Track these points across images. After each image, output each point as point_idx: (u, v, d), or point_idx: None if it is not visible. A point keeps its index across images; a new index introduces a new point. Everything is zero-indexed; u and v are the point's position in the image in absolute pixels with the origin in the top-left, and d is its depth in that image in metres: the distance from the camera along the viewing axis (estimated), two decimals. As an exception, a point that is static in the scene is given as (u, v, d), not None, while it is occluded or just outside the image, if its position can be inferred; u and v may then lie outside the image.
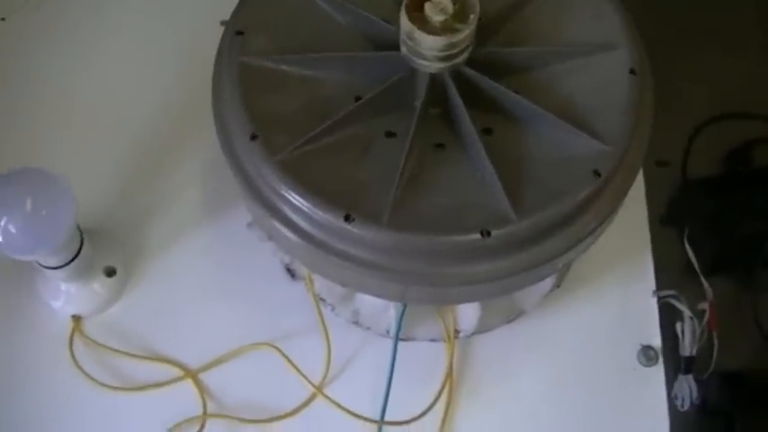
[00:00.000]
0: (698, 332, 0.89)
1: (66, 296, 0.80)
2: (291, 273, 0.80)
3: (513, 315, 0.79)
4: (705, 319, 0.92)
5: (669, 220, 1.21)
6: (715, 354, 1.00)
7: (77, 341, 0.79)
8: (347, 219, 0.63)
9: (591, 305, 0.81)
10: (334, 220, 0.63)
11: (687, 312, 0.86)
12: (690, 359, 0.90)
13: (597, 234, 0.68)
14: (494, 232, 0.62)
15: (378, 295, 0.69)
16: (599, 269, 0.82)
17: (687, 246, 1.05)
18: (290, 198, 0.64)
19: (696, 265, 1.00)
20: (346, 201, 0.63)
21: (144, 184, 0.86)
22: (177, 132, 0.89)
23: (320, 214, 0.63)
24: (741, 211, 1.39)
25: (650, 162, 0.84)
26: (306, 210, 0.64)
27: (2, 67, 0.93)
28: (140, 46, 0.95)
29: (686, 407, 0.94)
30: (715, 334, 0.96)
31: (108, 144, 0.88)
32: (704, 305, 0.92)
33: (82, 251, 0.75)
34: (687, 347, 0.89)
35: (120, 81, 0.93)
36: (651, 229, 0.85)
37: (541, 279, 0.70)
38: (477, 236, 0.62)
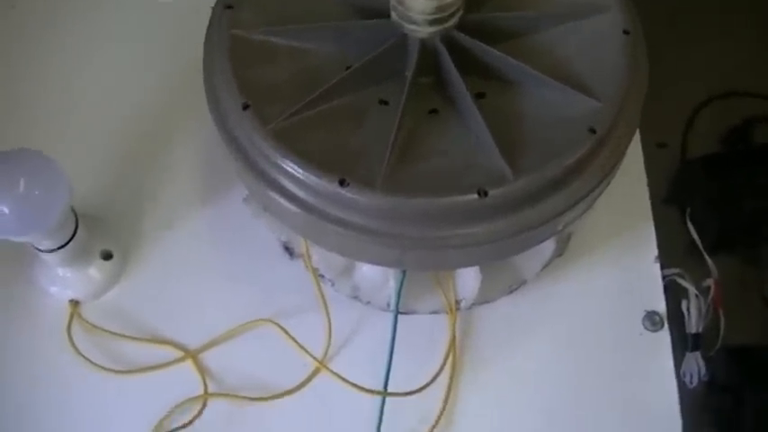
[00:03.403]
0: (704, 309, 0.89)
1: (63, 281, 0.79)
2: (289, 251, 0.79)
3: (515, 285, 0.78)
4: (710, 296, 0.91)
5: (671, 200, 1.20)
6: (722, 330, 1.00)
7: (76, 326, 0.78)
8: (342, 183, 0.62)
9: (593, 273, 0.80)
10: (328, 185, 0.62)
11: (692, 290, 0.86)
12: (696, 336, 0.90)
13: (596, 194, 0.67)
14: (491, 192, 0.62)
15: (376, 262, 0.69)
16: (600, 238, 0.81)
17: (690, 225, 1.05)
18: (285, 166, 0.64)
19: (699, 244, 1.00)
20: (340, 166, 0.63)
21: (139, 166, 0.86)
22: (172, 114, 0.88)
23: (315, 180, 0.63)
24: (742, 190, 1.39)
25: (650, 143, 0.84)
26: (300, 177, 0.63)
27: (7, 53, 0.93)
28: (134, 29, 0.95)
29: (694, 384, 0.93)
30: (721, 311, 0.95)
31: (103, 127, 0.88)
32: (709, 282, 0.92)
33: (77, 234, 0.75)
34: (693, 325, 0.88)
35: (115, 64, 0.92)
36: (653, 210, 0.84)
37: (541, 242, 0.69)
38: (474, 196, 0.62)
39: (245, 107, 0.65)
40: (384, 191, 0.62)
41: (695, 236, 1.04)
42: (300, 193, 0.64)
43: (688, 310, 0.87)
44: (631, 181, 0.82)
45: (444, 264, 0.70)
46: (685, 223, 1.05)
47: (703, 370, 0.95)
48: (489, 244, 0.65)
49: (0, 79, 0.91)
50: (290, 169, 0.63)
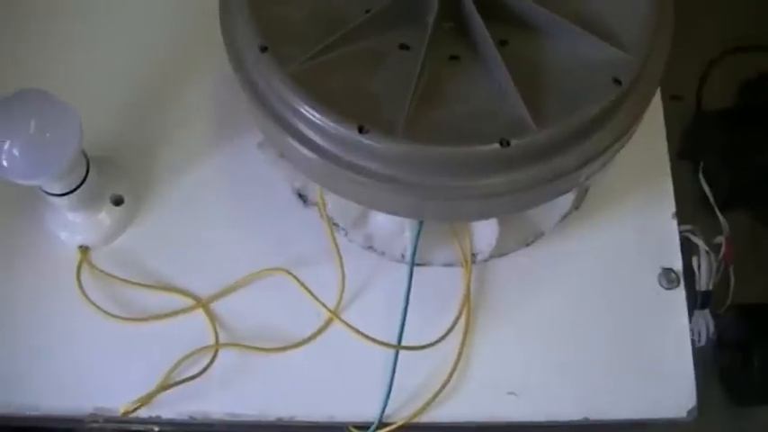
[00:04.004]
0: (714, 266, 0.88)
1: (72, 226, 0.78)
2: (303, 198, 0.78)
3: (531, 238, 0.77)
4: (721, 253, 0.90)
5: (684, 155, 1.19)
6: (732, 287, 0.99)
7: (85, 272, 0.77)
8: (361, 130, 0.61)
9: (610, 228, 0.79)
10: (347, 132, 0.61)
11: (703, 247, 0.85)
12: (706, 294, 0.89)
13: (618, 147, 0.66)
14: (513, 142, 0.61)
15: (392, 212, 0.68)
16: (618, 193, 0.80)
17: (702, 179, 1.04)
18: (303, 111, 0.62)
19: (711, 199, 0.99)
20: (360, 112, 0.62)
21: (152, 110, 0.84)
22: (186, 55, 0.86)
23: (334, 126, 0.61)
24: (756, 145, 1.37)
25: (664, 96, 0.82)
26: (319, 123, 0.62)
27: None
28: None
29: (703, 342, 0.93)
30: (731, 268, 0.94)
31: (115, 69, 0.86)
32: (720, 239, 0.91)
33: (88, 178, 0.73)
34: (703, 282, 0.87)
35: (128, 3, 0.90)
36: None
37: (562, 194, 0.68)
38: (496, 145, 0.61)
39: (264, 49, 0.64)
40: (404, 138, 0.61)
41: (708, 191, 1.03)
42: (318, 139, 0.63)
43: (698, 266, 0.86)
44: (650, 134, 0.80)
45: (462, 214, 0.69)
46: (698, 178, 1.04)
47: (712, 328, 0.94)
48: (509, 195, 0.64)
49: (11, 20, 0.89)
50: (308, 114, 0.62)
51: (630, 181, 0.80)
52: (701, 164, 1.08)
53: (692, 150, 1.29)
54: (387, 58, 0.66)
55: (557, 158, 0.63)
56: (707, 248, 0.87)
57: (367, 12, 0.67)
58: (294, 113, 0.63)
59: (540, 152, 0.62)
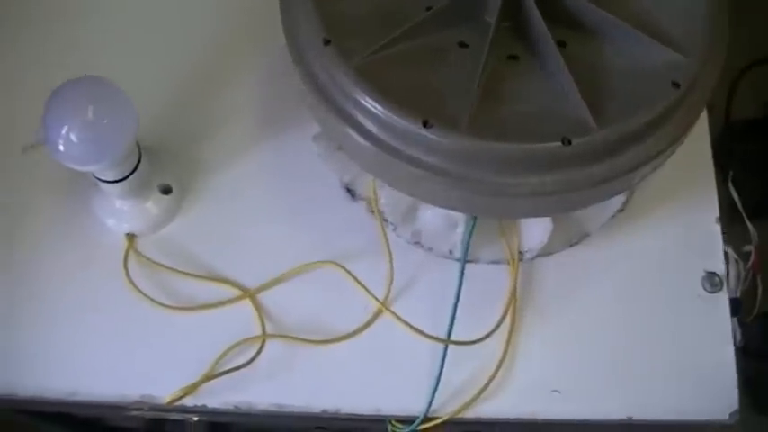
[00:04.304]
0: (742, 275, 0.88)
1: (120, 214, 0.78)
2: (351, 192, 0.78)
3: (576, 238, 0.77)
4: (750, 261, 0.91)
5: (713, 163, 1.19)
6: (759, 296, 0.99)
7: (132, 260, 0.78)
8: (425, 124, 0.61)
9: (654, 230, 0.80)
10: (412, 125, 0.62)
11: (732, 254, 0.85)
12: (734, 301, 0.89)
13: (673, 149, 0.67)
14: (574, 141, 0.61)
15: (448, 207, 0.68)
16: (662, 196, 0.81)
17: (732, 188, 1.04)
18: (366, 104, 0.63)
19: (740, 208, 0.99)
20: (424, 107, 0.62)
21: (202, 100, 0.85)
22: (236, 47, 0.87)
23: (397, 120, 0.62)
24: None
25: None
26: (382, 116, 0.62)
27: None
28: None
29: (731, 349, 0.93)
30: (759, 276, 0.95)
31: (166, 59, 0.87)
32: (749, 247, 0.91)
33: (139, 166, 0.74)
34: (732, 290, 0.88)
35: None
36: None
37: (615, 194, 0.69)
38: (558, 144, 0.61)
39: (327, 42, 0.64)
40: (469, 133, 0.61)
41: (737, 200, 1.03)
42: (379, 132, 0.63)
43: (727, 274, 0.86)
44: (695, 139, 0.81)
45: (518, 211, 0.70)
46: (727, 186, 1.04)
47: (739, 336, 0.94)
48: (566, 193, 0.64)
49: (69, 9, 0.90)
50: (371, 107, 0.62)
51: (675, 185, 0.81)
52: (731, 173, 1.08)
53: (721, 160, 1.29)
54: (446, 55, 0.67)
55: (614, 159, 0.63)
56: (736, 257, 0.87)
57: (428, 9, 0.67)
58: (355, 106, 0.63)
59: (599, 152, 0.63)
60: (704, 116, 0.83)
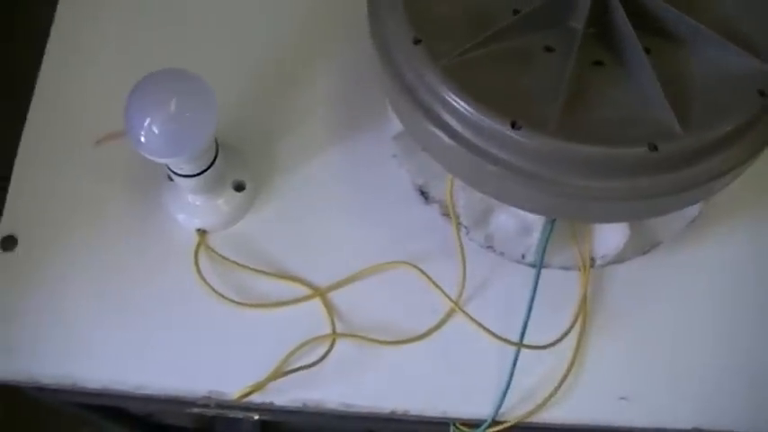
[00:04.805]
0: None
1: (191, 209, 0.79)
2: (425, 195, 0.78)
3: (648, 247, 0.77)
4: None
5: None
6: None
7: (203, 255, 0.78)
8: (513, 125, 0.61)
9: (725, 241, 0.80)
10: (500, 126, 0.62)
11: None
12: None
13: (755, 158, 0.67)
14: (660, 146, 0.61)
15: (530, 209, 0.68)
16: (734, 206, 0.81)
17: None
18: (454, 104, 0.63)
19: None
20: (512, 108, 0.63)
21: (277, 100, 0.85)
22: (314, 47, 0.87)
23: (485, 120, 0.62)
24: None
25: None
26: (470, 116, 0.63)
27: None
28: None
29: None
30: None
31: (244, 56, 0.87)
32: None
33: (216, 161, 0.74)
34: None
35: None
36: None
37: (696, 202, 0.69)
38: (645, 149, 0.61)
39: (417, 42, 0.65)
40: (556, 135, 0.61)
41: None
42: (465, 132, 0.64)
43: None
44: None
45: (599, 215, 0.70)
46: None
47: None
48: (648, 199, 0.64)
49: (152, 4, 0.91)
50: (459, 107, 0.63)
51: (747, 197, 0.80)
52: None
53: None
54: (532, 58, 0.67)
55: (698, 166, 0.64)
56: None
57: (515, 12, 0.68)
58: (443, 105, 0.64)
59: (683, 159, 0.63)
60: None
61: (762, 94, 0.64)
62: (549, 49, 0.68)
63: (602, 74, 0.67)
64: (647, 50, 0.67)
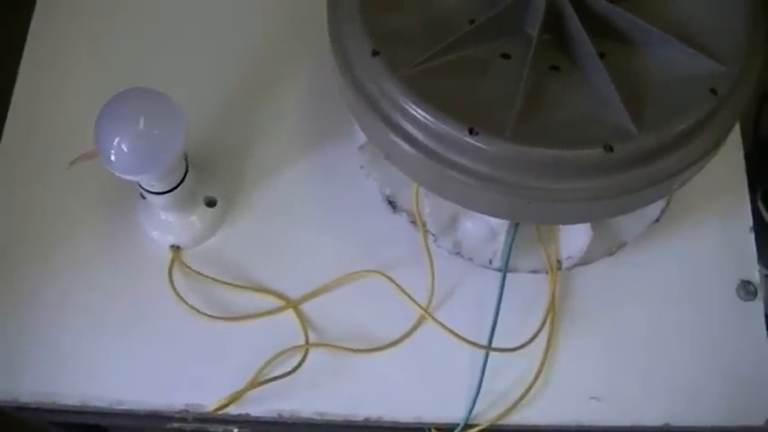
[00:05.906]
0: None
1: (165, 226, 0.80)
2: (392, 204, 0.79)
3: (615, 248, 0.79)
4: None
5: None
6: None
7: (177, 271, 0.79)
8: (471, 132, 0.63)
9: (690, 240, 0.81)
10: (458, 133, 0.63)
11: (763, 271, 0.86)
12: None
13: (711, 155, 0.68)
14: (616, 147, 0.63)
15: (493, 214, 0.70)
16: (697, 207, 0.82)
17: (761, 205, 1.06)
18: (414, 113, 0.64)
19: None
20: (470, 114, 0.64)
21: (245, 115, 0.86)
22: (279, 61, 0.89)
23: (444, 127, 0.63)
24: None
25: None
26: (429, 124, 0.64)
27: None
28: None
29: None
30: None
31: (210, 73, 0.89)
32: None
33: (186, 179, 0.75)
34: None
35: (222, 7, 0.92)
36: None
37: (655, 200, 0.70)
38: (601, 150, 0.63)
39: (375, 53, 0.66)
40: (513, 140, 0.63)
41: (766, 217, 1.04)
42: (425, 140, 0.65)
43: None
44: (728, 149, 0.82)
45: (560, 217, 0.71)
46: (756, 204, 1.06)
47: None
48: (607, 199, 0.66)
49: (116, 24, 0.92)
50: (419, 116, 0.64)
51: (709, 195, 0.82)
52: (760, 191, 1.09)
53: (750, 176, 1.30)
54: (489, 65, 0.68)
55: (654, 165, 0.65)
56: (766, 272, 0.88)
57: (471, 21, 0.69)
58: (403, 115, 0.65)
59: (639, 158, 0.64)
60: (737, 127, 0.83)
61: (714, 92, 0.66)
62: (505, 56, 0.69)
63: (558, 79, 0.69)
64: (602, 54, 0.68)
